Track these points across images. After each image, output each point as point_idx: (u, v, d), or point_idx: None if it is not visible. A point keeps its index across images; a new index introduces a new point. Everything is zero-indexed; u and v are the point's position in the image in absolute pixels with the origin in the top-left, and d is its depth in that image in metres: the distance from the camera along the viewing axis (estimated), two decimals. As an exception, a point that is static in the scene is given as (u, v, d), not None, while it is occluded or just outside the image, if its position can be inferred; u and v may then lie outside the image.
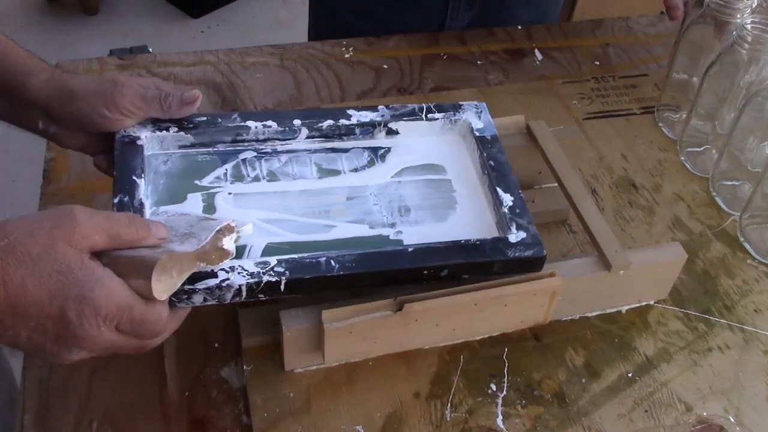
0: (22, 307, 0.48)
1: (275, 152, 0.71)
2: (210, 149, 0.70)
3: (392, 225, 0.67)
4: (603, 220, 0.70)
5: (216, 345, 0.68)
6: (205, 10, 2.72)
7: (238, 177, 0.69)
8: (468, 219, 0.69)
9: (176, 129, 0.68)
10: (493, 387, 0.67)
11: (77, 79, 0.65)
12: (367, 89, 0.99)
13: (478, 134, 0.73)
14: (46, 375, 0.65)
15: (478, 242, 0.64)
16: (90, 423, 0.62)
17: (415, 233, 0.67)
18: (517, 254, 0.63)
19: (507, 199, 0.67)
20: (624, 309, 0.74)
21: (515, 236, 0.64)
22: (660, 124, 0.96)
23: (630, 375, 0.69)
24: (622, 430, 0.65)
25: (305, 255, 0.60)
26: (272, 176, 0.70)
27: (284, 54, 1.04)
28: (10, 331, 0.49)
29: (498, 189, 0.68)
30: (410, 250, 0.62)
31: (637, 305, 0.74)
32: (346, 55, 1.04)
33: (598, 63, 1.08)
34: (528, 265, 0.65)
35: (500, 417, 0.65)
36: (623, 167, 0.90)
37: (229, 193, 0.67)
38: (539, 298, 0.67)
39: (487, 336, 0.70)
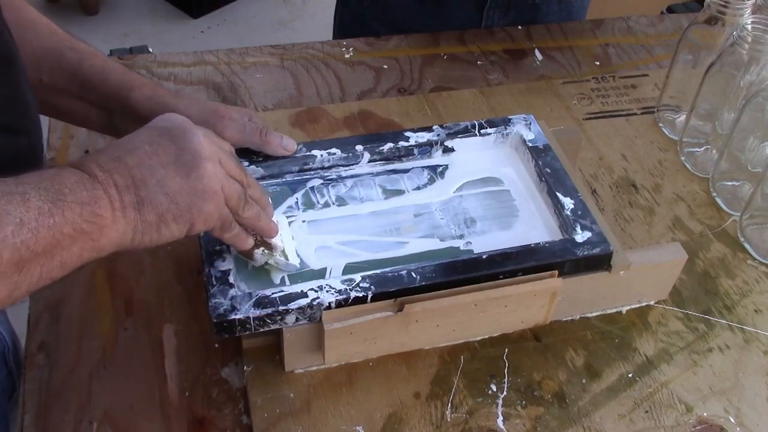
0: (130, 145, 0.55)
1: (340, 178, 0.75)
2: (279, 180, 0.73)
3: (461, 237, 0.71)
4: (603, 220, 0.70)
5: (216, 345, 0.68)
6: (205, 10, 2.72)
7: (309, 204, 0.72)
8: (531, 225, 0.72)
9: (247, 163, 0.71)
10: (494, 387, 0.67)
11: (181, 101, 0.69)
12: (367, 89, 0.99)
13: (530, 145, 0.76)
14: (46, 375, 0.65)
15: (547, 244, 0.67)
16: (90, 423, 0.62)
17: (484, 242, 0.70)
18: (585, 253, 0.66)
19: (568, 202, 0.70)
20: (624, 309, 0.74)
21: (581, 236, 0.67)
22: (660, 124, 0.96)
23: (630, 375, 0.69)
24: (622, 430, 0.65)
25: (387, 269, 0.63)
26: (341, 201, 0.73)
27: (284, 54, 1.04)
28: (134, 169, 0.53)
29: (558, 194, 0.71)
30: (485, 257, 0.65)
31: (638, 306, 0.74)
32: (346, 55, 1.04)
33: (598, 63, 1.08)
34: (596, 262, 0.67)
35: (500, 417, 0.65)
36: (623, 167, 0.90)
37: (303, 221, 0.70)
38: (539, 298, 0.67)
39: (487, 336, 0.70)
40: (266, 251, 0.64)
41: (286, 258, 0.65)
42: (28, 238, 0.46)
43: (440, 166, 0.77)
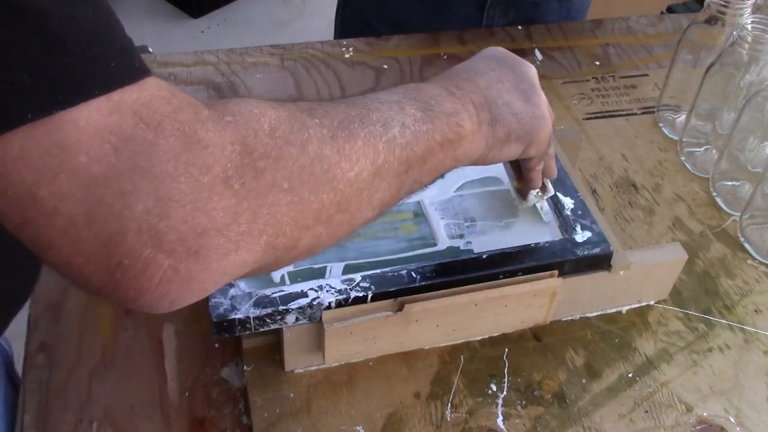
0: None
1: None
2: None
3: (461, 236, 0.71)
4: (603, 220, 0.70)
5: (216, 345, 0.68)
6: (205, 10, 2.72)
7: None
8: (531, 225, 0.72)
9: None
10: (494, 387, 0.67)
11: None
12: (367, 89, 0.99)
13: None
14: (46, 375, 0.65)
15: (547, 244, 0.67)
16: (90, 423, 0.62)
17: (483, 242, 0.70)
18: (585, 253, 0.66)
19: (568, 202, 0.70)
20: (624, 309, 0.74)
21: (581, 236, 0.67)
22: (660, 124, 0.96)
23: (630, 375, 0.69)
24: (622, 430, 0.65)
25: (387, 269, 0.63)
26: None
27: (284, 54, 1.04)
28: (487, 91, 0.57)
29: (558, 194, 0.71)
30: (485, 257, 0.65)
31: (638, 305, 0.74)
32: (346, 55, 1.04)
33: (598, 63, 1.08)
34: (596, 262, 0.68)
35: (500, 417, 0.65)
36: (623, 167, 0.90)
37: None
38: (539, 298, 0.67)
39: (487, 336, 0.70)
40: (539, 193, 0.67)
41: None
42: (410, 140, 0.49)
43: None
